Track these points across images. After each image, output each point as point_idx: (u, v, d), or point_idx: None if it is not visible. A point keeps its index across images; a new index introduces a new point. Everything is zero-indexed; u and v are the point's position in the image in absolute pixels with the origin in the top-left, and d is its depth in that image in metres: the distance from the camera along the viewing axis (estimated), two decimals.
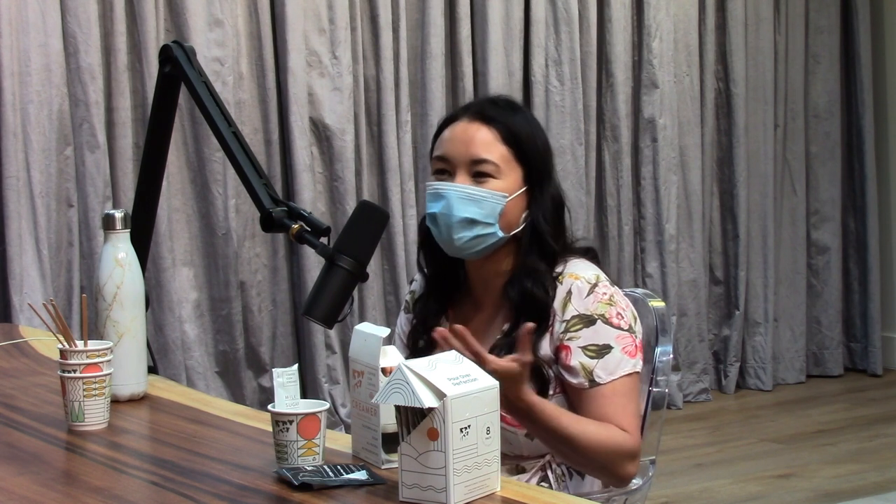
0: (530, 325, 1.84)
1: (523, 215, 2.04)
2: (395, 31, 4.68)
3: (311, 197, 4.49)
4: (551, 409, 1.90)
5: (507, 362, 1.79)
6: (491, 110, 2.05)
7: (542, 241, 2.03)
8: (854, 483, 4.18)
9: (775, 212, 5.61)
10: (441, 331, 1.80)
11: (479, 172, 2.02)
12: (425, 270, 2.17)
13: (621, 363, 1.98)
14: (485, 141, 2.02)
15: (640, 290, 2.28)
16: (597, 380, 1.97)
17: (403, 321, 2.24)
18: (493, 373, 1.65)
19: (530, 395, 1.86)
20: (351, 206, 4.50)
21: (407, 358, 2.13)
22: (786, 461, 4.44)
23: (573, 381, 1.97)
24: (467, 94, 4.79)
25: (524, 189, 2.04)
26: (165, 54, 2.19)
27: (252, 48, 4.44)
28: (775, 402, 5.36)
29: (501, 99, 2.12)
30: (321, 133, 4.55)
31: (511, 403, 1.82)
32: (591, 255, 2.10)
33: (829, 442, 4.69)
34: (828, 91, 5.72)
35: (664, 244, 5.26)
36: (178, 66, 2.17)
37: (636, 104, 5.26)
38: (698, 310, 5.40)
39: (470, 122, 2.05)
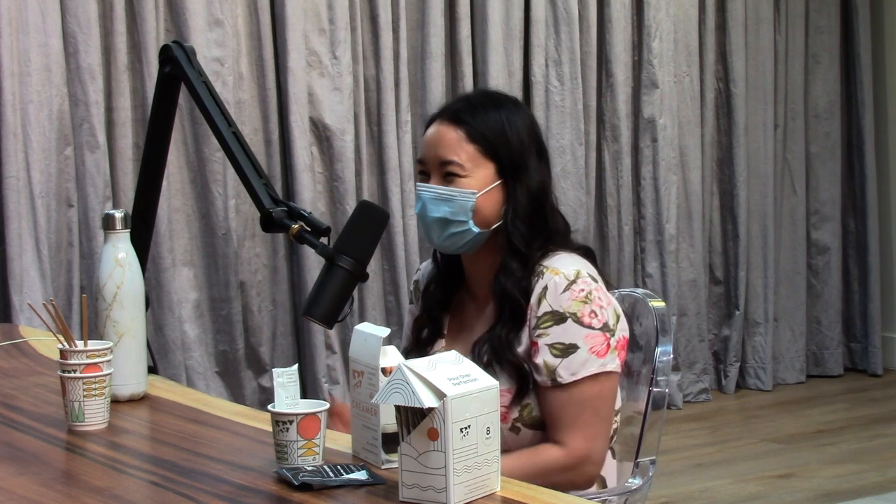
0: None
1: (503, 209, 2.06)
2: (395, 31, 4.68)
3: (311, 197, 4.49)
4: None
5: None
6: (463, 111, 2.08)
7: (513, 241, 2.04)
8: (854, 483, 4.18)
9: (775, 212, 5.61)
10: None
11: (448, 173, 2.05)
12: (439, 261, 2.19)
13: (587, 363, 1.97)
14: (451, 142, 2.06)
15: (640, 290, 2.27)
16: (558, 379, 1.97)
17: (409, 310, 2.26)
18: None
19: None
20: (351, 206, 4.50)
21: (410, 347, 2.16)
22: (786, 461, 4.44)
23: (538, 378, 1.99)
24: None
25: (499, 182, 2.06)
26: (165, 54, 2.19)
27: (252, 48, 4.44)
28: (775, 402, 5.36)
29: (480, 96, 2.16)
30: (321, 133, 4.55)
31: None
32: (583, 252, 2.09)
33: (829, 442, 4.69)
34: (828, 91, 5.73)
35: (664, 244, 5.26)
36: (178, 66, 2.17)
37: (636, 104, 5.26)
38: (698, 310, 5.40)
39: (440, 124, 2.09)
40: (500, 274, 2.04)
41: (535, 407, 2.01)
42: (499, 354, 2.00)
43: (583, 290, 1.99)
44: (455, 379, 1.49)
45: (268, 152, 4.47)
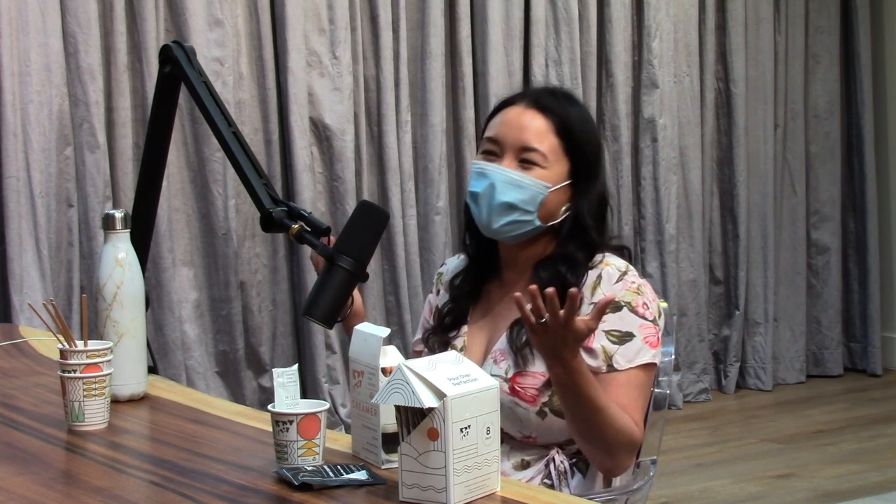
0: (610, 296, 1.86)
1: (563, 208, 2.05)
2: (395, 31, 4.68)
3: (311, 197, 4.49)
4: (590, 376, 1.91)
5: (584, 322, 1.80)
6: (548, 100, 2.07)
7: (584, 233, 2.04)
8: (854, 483, 4.19)
9: (775, 212, 5.61)
10: (517, 296, 1.80)
11: (525, 159, 2.03)
12: (469, 251, 2.17)
13: (641, 352, 1.98)
14: (538, 130, 2.04)
15: None
16: (615, 365, 1.97)
17: (430, 301, 2.25)
18: (564, 326, 1.74)
19: (580, 357, 1.88)
20: (351, 206, 4.50)
21: (426, 335, 2.15)
22: (786, 461, 4.44)
23: (592, 363, 1.98)
24: (467, 94, 4.80)
25: (569, 182, 2.05)
26: (165, 54, 2.19)
27: (252, 48, 4.44)
28: (775, 402, 5.36)
29: (560, 90, 2.15)
30: (321, 133, 4.55)
31: (562, 360, 1.82)
32: (623, 252, 2.11)
33: (829, 442, 4.69)
34: (828, 91, 5.73)
35: (664, 244, 5.26)
36: (178, 66, 2.17)
37: (636, 104, 5.26)
38: (698, 310, 5.40)
39: (526, 108, 2.06)
40: (558, 261, 2.02)
41: None
42: None
43: (634, 282, 2.02)
44: (455, 379, 1.49)
45: (268, 152, 4.47)
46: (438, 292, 2.23)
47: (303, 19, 4.46)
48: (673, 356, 2.22)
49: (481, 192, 2.04)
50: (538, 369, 2.00)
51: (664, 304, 2.23)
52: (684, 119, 5.34)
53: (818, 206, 5.76)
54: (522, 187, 2.02)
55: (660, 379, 2.16)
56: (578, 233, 2.04)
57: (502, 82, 4.84)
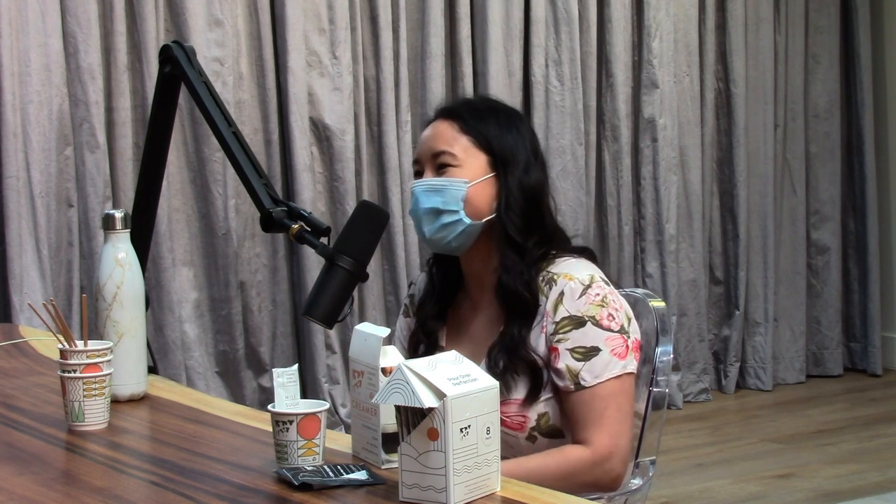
0: None
1: (495, 203, 2.06)
2: (395, 31, 4.68)
3: (311, 197, 4.49)
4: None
5: None
6: (459, 107, 2.11)
7: (507, 230, 2.04)
8: (854, 483, 4.19)
9: (775, 212, 5.61)
10: None
11: (440, 164, 2.06)
12: (433, 272, 2.18)
13: (609, 365, 1.97)
14: (444, 134, 2.07)
15: (640, 290, 2.27)
16: (582, 383, 1.96)
17: (402, 325, 2.24)
18: None
19: None
20: (351, 206, 4.50)
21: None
22: (786, 461, 4.45)
23: (560, 383, 1.98)
24: (467, 93, 4.79)
25: (492, 175, 2.06)
26: (165, 54, 2.19)
27: (252, 48, 4.44)
28: (775, 402, 5.36)
29: (479, 99, 2.21)
30: (321, 133, 4.55)
31: None
32: (587, 254, 2.10)
33: (829, 442, 4.69)
34: (828, 91, 5.73)
35: (664, 244, 5.26)
36: (178, 66, 2.17)
37: (636, 104, 5.26)
38: (698, 310, 5.40)
39: (435, 122, 2.11)
40: (502, 272, 2.03)
41: (552, 416, 2.00)
42: (514, 354, 1.99)
43: (598, 294, 2.00)
44: (455, 379, 1.49)
45: (268, 152, 4.47)
46: (413, 315, 2.22)
47: (303, 19, 4.46)
48: (671, 356, 2.22)
49: (412, 210, 2.09)
50: (520, 395, 1.99)
51: (661, 304, 2.23)
52: (684, 119, 5.35)
53: (818, 206, 5.77)
54: (440, 190, 2.04)
55: (659, 379, 2.16)
56: (505, 231, 2.04)
57: (502, 82, 4.84)
